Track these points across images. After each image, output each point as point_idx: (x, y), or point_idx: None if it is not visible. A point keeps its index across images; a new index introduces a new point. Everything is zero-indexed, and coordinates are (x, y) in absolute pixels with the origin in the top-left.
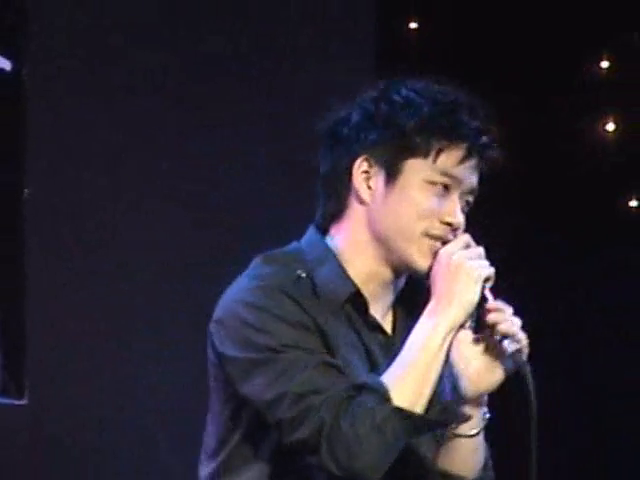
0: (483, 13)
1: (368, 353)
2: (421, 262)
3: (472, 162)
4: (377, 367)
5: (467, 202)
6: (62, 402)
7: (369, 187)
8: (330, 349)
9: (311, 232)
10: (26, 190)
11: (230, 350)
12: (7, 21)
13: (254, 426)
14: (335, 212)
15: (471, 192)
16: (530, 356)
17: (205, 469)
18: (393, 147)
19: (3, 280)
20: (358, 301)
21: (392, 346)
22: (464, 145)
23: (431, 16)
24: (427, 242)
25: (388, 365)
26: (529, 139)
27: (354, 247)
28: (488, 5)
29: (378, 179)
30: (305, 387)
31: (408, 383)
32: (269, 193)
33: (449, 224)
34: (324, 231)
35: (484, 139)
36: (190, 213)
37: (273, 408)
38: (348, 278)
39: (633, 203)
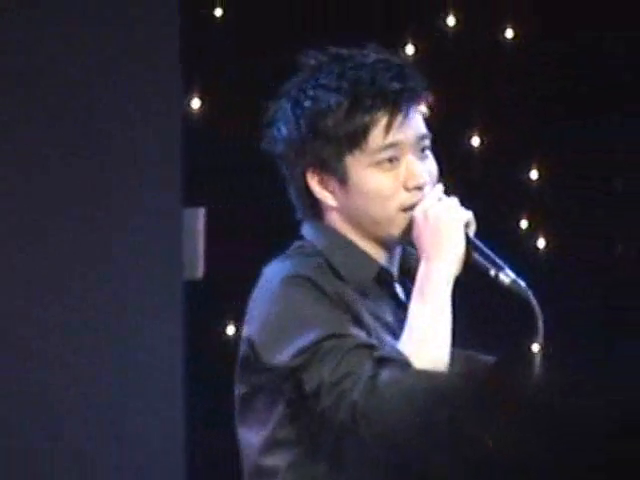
0: None
1: (388, 324)
2: (405, 236)
3: (400, 118)
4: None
5: (423, 149)
6: None
7: (331, 192)
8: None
9: (311, 225)
10: None
11: None
12: None
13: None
14: (315, 211)
15: (422, 138)
16: None
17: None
18: (327, 152)
19: None
20: (383, 276)
21: (405, 311)
22: (387, 110)
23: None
24: (404, 216)
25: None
26: None
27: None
28: None
29: (333, 183)
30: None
31: (424, 346)
32: None
33: (416, 188)
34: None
35: (408, 88)
36: None
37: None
38: (369, 256)
39: None
